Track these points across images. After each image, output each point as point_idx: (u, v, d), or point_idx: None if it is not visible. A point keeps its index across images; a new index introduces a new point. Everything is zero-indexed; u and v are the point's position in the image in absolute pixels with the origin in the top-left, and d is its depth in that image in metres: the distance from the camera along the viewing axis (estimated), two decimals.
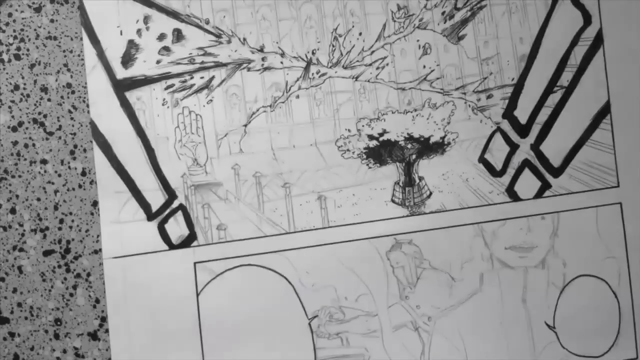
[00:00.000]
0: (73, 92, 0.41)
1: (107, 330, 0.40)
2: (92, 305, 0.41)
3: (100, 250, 0.40)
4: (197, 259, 0.40)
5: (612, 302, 0.41)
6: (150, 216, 0.40)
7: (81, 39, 0.40)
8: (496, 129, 0.41)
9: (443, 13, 0.41)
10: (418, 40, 0.41)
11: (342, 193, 0.40)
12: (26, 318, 0.40)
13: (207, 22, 0.40)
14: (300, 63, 0.40)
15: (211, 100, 0.40)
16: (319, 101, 0.40)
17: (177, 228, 0.40)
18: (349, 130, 0.40)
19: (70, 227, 0.40)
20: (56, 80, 0.41)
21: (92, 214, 0.40)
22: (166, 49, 0.40)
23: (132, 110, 0.40)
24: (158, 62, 0.40)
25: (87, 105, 0.40)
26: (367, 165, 0.41)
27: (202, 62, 0.40)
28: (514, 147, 0.41)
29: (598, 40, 0.41)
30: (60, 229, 0.40)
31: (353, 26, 0.40)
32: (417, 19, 0.41)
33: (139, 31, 0.40)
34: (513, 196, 0.41)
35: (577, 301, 0.41)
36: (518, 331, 0.41)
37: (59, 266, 0.40)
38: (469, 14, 0.41)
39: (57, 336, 0.41)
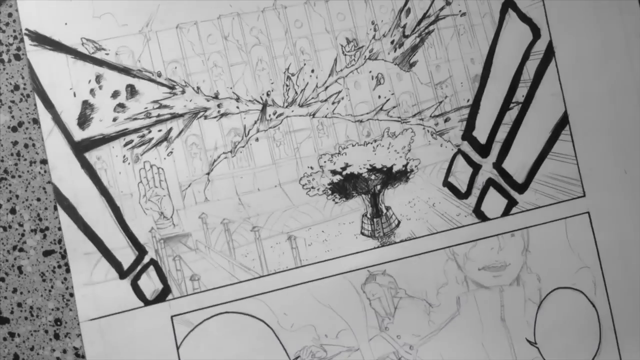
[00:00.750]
0: None
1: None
2: None
3: None
4: (173, 312, 0.46)
5: (590, 311, 0.48)
6: (123, 274, 0.46)
7: (35, 104, 0.46)
8: (457, 152, 0.47)
9: (392, 42, 0.47)
10: (370, 72, 0.47)
11: (311, 231, 0.47)
12: (26, 318, 0.46)
13: (160, 75, 0.46)
14: (256, 106, 0.46)
15: (171, 152, 0.46)
16: (279, 142, 0.47)
17: (150, 283, 0.46)
18: (312, 168, 0.47)
19: None
20: None
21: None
22: (121, 105, 0.46)
23: (94, 170, 0.46)
24: (114, 119, 0.46)
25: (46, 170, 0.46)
26: (334, 200, 0.47)
27: (159, 115, 0.46)
28: (476, 168, 0.47)
29: (549, 53, 0.47)
30: (60, 229, 0.46)
31: (305, 64, 0.47)
32: (367, 50, 0.47)
33: (92, 91, 0.46)
34: (481, 216, 0.47)
35: (556, 314, 0.48)
36: (500, 350, 0.47)
37: (59, 266, 0.47)
38: (418, 40, 0.47)
39: (57, 336, 0.47)
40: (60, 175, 0.46)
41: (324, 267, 0.47)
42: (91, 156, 0.47)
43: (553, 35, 0.49)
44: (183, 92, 0.47)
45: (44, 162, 0.47)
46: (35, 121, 0.47)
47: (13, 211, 0.46)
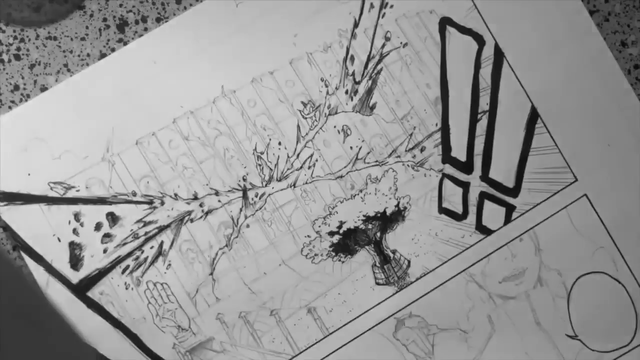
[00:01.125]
0: None
1: None
2: None
3: None
4: None
5: (618, 289, 0.51)
6: None
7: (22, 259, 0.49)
8: (442, 177, 0.51)
9: (347, 92, 0.51)
10: (335, 126, 0.51)
11: (328, 297, 0.50)
12: None
13: (135, 194, 0.50)
14: (236, 194, 0.50)
15: (170, 265, 0.50)
16: (269, 221, 0.50)
17: None
18: (309, 236, 0.50)
19: None
20: (56, 80, 0.51)
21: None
22: (107, 235, 0.50)
23: (101, 306, 0.49)
24: (105, 251, 0.50)
25: None
26: (340, 260, 0.50)
27: (146, 233, 0.50)
28: (465, 186, 0.51)
29: (499, 55, 0.52)
30: None
31: (270, 139, 0.50)
32: (325, 107, 0.51)
33: (74, 230, 0.50)
34: (485, 231, 0.51)
35: (586, 302, 0.51)
36: (545, 353, 0.51)
37: None
38: (370, 82, 0.51)
39: None
40: (71, 323, 0.49)
41: (351, 328, 0.51)
42: (94, 294, 0.50)
43: (497, 38, 0.52)
44: (162, 203, 0.51)
45: None
46: None
47: None
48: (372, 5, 0.52)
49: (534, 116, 0.53)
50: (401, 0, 0.52)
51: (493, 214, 0.52)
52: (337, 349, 0.51)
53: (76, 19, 0.51)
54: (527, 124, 0.53)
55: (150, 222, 0.51)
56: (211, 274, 0.51)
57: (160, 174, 0.51)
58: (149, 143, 0.51)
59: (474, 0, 0.53)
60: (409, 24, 0.53)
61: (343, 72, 0.52)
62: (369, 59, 0.53)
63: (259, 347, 0.51)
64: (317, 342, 0.51)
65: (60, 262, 0.50)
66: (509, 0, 0.53)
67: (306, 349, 0.51)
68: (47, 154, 0.51)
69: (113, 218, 0.51)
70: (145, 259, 0.51)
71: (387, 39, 0.53)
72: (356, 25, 0.52)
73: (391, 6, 0.52)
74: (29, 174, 0.50)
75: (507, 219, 0.53)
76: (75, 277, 0.50)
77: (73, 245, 0.51)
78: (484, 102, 0.53)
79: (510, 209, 0.53)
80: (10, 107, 0.50)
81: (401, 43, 0.53)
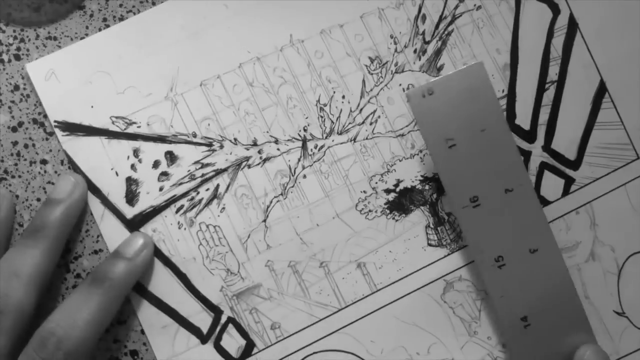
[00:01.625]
0: None
1: (107, 330, 0.50)
2: None
3: (101, 250, 0.51)
4: None
5: None
6: (204, 339, 0.50)
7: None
8: None
9: (415, 51, 0.51)
10: (400, 84, 0.51)
11: (379, 254, 0.50)
12: None
13: (195, 135, 0.50)
14: (296, 144, 0.50)
15: (224, 208, 0.50)
16: (326, 173, 0.50)
17: (233, 342, 0.50)
18: (365, 192, 0.50)
19: None
20: None
21: (91, 214, 0.51)
22: (164, 174, 0.50)
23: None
24: (161, 189, 0.50)
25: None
26: (394, 218, 0.50)
27: (203, 175, 0.50)
28: (527, 155, 0.51)
29: (572, 25, 0.51)
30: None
31: (334, 92, 0.50)
32: (392, 64, 0.51)
33: (132, 166, 0.50)
34: (542, 201, 0.51)
35: (637, 280, 0.51)
36: (592, 326, 0.51)
37: (59, 266, 0.51)
38: (440, 43, 0.51)
39: None
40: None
41: (399, 287, 0.51)
42: (147, 230, 0.50)
43: (572, 8, 0.52)
44: (221, 146, 0.51)
45: (44, 162, 0.51)
46: (35, 121, 0.51)
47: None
48: None
49: (601, 90, 0.53)
50: None
51: (552, 185, 0.52)
52: (384, 306, 0.51)
53: (76, 19, 0.51)
54: (594, 98, 0.53)
55: (207, 165, 0.51)
56: (264, 220, 0.51)
57: (221, 117, 0.51)
58: (213, 86, 0.51)
59: None
60: None
61: (413, 30, 0.52)
62: (440, 19, 0.52)
63: (305, 297, 0.51)
64: (364, 298, 0.51)
65: (116, 196, 0.51)
66: None
67: (353, 303, 0.51)
68: (112, 88, 0.51)
69: (171, 157, 0.51)
70: (200, 200, 0.51)
71: (461, 0, 0.52)
72: None
73: None
74: (92, 107, 0.51)
75: (565, 191, 0.53)
76: (130, 212, 0.51)
77: (130, 181, 0.51)
78: (553, 72, 0.52)
79: (569, 181, 0.53)
80: (10, 107, 0.50)
81: (475, 5, 0.53)
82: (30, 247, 0.46)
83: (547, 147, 0.53)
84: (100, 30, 0.51)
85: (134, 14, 0.52)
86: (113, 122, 0.51)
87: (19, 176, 0.50)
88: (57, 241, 0.48)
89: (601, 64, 0.53)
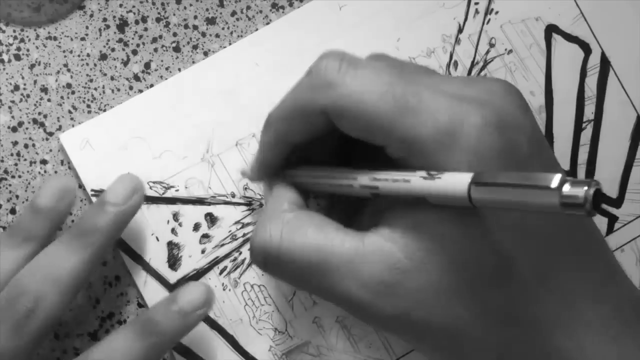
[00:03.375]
0: (73, 93, 0.52)
1: (107, 331, 0.51)
2: (92, 306, 0.51)
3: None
4: None
5: None
6: None
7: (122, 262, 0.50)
8: None
9: None
10: None
11: None
12: None
13: (234, 196, 0.51)
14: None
15: None
16: None
17: None
18: None
19: (70, 227, 0.50)
20: (56, 80, 0.51)
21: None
22: (205, 236, 0.51)
23: None
24: (203, 251, 0.51)
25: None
26: None
27: (244, 235, 0.51)
28: None
29: (605, 64, 0.52)
30: (60, 229, 0.50)
31: None
32: None
33: (173, 230, 0.50)
34: None
35: None
36: None
37: None
38: None
39: (57, 336, 0.50)
40: None
41: None
42: None
43: (604, 46, 0.53)
44: (261, 205, 0.51)
45: (44, 162, 0.51)
46: (35, 121, 0.51)
47: (13, 211, 0.51)
48: (477, 11, 0.53)
49: (638, 127, 0.53)
50: (506, 7, 0.53)
51: (596, 224, 0.53)
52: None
53: (76, 19, 0.51)
54: (632, 135, 0.53)
55: (248, 224, 0.52)
56: None
57: None
58: (249, 144, 0.52)
59: (580, 8, 0.53)
60: (514, 31, 0.53)
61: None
62: (472, 65, 0.53)
63: (355, 352, 0.51)
64: (413, 350, 0.51)
65: (158, 262, 0.51)
66: (616, 9, 0.53)
67: (403, 356, 0.51)
68: (148, 153, 0.51)
69: (211, 219, 0.52)
70: (243, 260, 0.52)
71: (492, 45, 0.53)
72: (460, 30, 0.53)
73: (496, 12, 0.53)
74: (128, 173, 0.51)
75: (610, 230, 0.53)
76: (173, 277, 0.51)
77: (171, 245, 0.51)
78: (589, 111, 0.53)
79: (612, 219, 0.53)
80: (10, 107, 0.51)
81: (506, 50, 0.53)
82: (74, 253, 0.44)
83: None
84: (100, 30, 0.52)
85: (134, 14, 0.52)
86: (151, 187, 0.51)
87: (19, 176, 0.51)
88: (102, 250, 0.46)
89: (637, 100, 0.53)
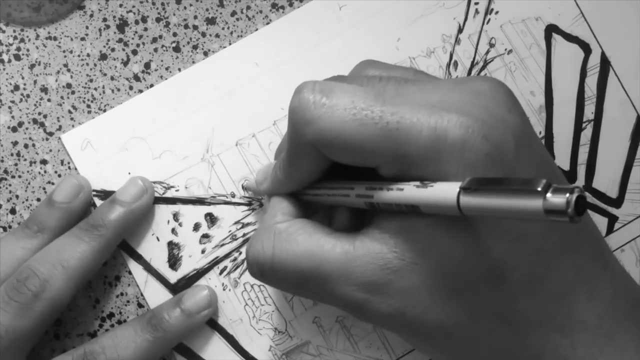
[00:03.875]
0: (73, 93, 0.52)
1: (107, 331, 0.51)
2: (92, 306, 0.52)
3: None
4: None
5: None
6: None
7: (122, 262, 0.50)
8: None
9: None
10: None
11: None
12: None
13: (233, 196, 0.51)
14: None
15: None
16: None
17: None
18: None
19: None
20: (56, 80, 0.52)
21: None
22: (205, 236, 0.51)
23: None
24: (203, 251, 0.51)
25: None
26: None
27: (244, 235, 0.51)
28: None
29: (605, 64, 0.52)
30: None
31: None
32: None
33: (173, 230, 0.51)
34: None
35: None
36: None
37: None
38: None
39: (57, 336, 0.51)
40: None
41: None
42: None
43: (604, 46, 0.53)
44: (261, 205, 0.51)
45: (44, 162, 0.51)
46: (35, 121, 0.52)
47: (13, 211, 0.51)
48: (477, 11, 0.53)
49: (639, 127, 0.53)
50: (506, 7, 0.53)
51: (595, 224, 0.53)
52: None
53: (76, 19, 0.52)
54: (632, 135, 0.53)
55: (248, 224, 0.52)
56: None
57: None
58: (248, 145, 0.52)
59: (580, 8, 0.53)
60: (514, 31, 0.53)
61: (446, 77, 0.53)
62: (472, 65, 0.53)
63: (355, 352, 0.51)
64: (414, 349, 0.52)
65: (158, 262, 0.51)
66: (616, 9, 0.53)
67: (404, 355, 0.52)
68: (148, 153, 0.52)
69: (211, 219, 0.52)
70: (243, 260, 0.52)
71: (492, 45, 0.53)
72: (460, 30, 0.53)
73: (496, 12, 0.53)
74: (129, 173, 0.51)
75: (610, 230, 0.53)
76: (173, 276, 0.51)
77: (172, 245, 0.52)
78: (589, 111, 0.53)
79: (612, 219, 0.53)
80: (10, 107, 0.51)
81: (506, 50, 0.53)
82: (83, 242, 0.47)
83: (588, 187, 0.53)
84: (100, 30, 0.52)
85: (134, 14, 0.52)
86: None
87: (19, 176, 0.51)
88: (110, 243, 0.49)
89: (637, 100, 0.53)
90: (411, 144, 0.35)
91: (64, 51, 0.52)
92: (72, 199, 0.49)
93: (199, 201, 0.52)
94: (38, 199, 0.51)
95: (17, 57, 0.52)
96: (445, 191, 0.33)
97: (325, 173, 0.41)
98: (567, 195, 0.27)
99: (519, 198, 0.29)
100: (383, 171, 0.37)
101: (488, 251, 0.35)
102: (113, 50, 0.52)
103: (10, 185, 0.51)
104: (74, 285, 0.47)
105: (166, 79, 0.52)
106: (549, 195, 0.28)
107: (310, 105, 0.36)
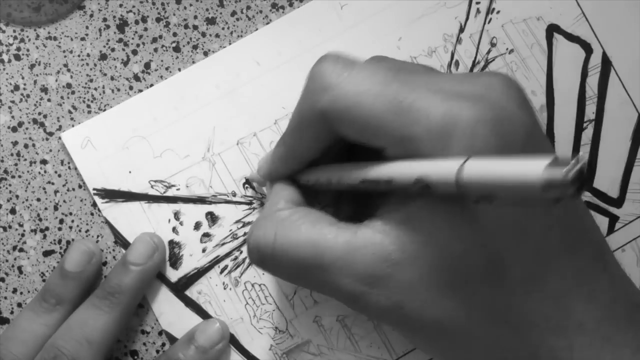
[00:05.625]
0: (73, 93, 0.52)
1: None
2: None
3: (101, 250, 0.51)
4: None
5: None
6: None
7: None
8: None
9: None
10: None
11: None
12: None
13: (234, 195, 0.51)
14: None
15: None
16: None
17: None
18: None
19: (70, 228, 0.51)
20: (56, 80, 0.52)
21: (92, 214, 0.52)
22: (206, 235, 0.51)
23: (199, 305, 0.51)
24: (204, 250, 0.51)
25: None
26: None
27: (245, 234, 0.51)
28: None
29: (606, 64, 0.52)
30: (60, 229, 0.51)
31: None
32: None
33: (174, 229, 0.51)
34: None
35: None
36: None
37: None
38: None
39: None
40: (169, 321, 0.51)
41: None
42: (192, 293, 0.51)
43: (605, 46, 0.53)
44: (261, 204, 0.52)
45: (44, 162, 0.52)
46: (35, 121, 0.52)
47: (13, 211, 0.51)
48: (478, 11, 0.53)
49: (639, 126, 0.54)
50: (508, 7, 0.53)
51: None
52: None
53: (76, 19, 0.52)
54: (633, 134, 0.53)
55: (249, 223, 0.52)
56: None
57: None
58: (249, 144, 0.52)
59: (582, 7, 0.53)
60: (515, 30, 0.53)
61: None
62: (473, 65, 0.54)
63: (356, 351, 0.52)
64: (415, 349, 0.52)
65: None
66: (617, 9, 0.53)
67: (404, 355, 0.52)
68: (149, 152, 0.52)
69: (212, 218, 0.52)
70: (244, 259, 0.52)
71: (493, 44, 0.54)
72: (462, 30, 0.53)
73: (497, 12, 0.53)
74: (130, 172, 0.52)
75: (610, 229, 0.53)
76: (174, 275, 0.52)
77: (172, 244, 0.52)
78: (590, 111, 0.53)
79: (613, 219, 0.53)
80: (10, 107, 0.51)
81: (507, 49, 0.54)
82: (104, 313, 0.48)
83: (589, 186, 0.54)
84: (100, 30, 0.52)
85: (134, 14, 0.52)
86: (152, 186, 0.52)
87: (19, 176, 0.51)
88: (130, 307, 0.49)
89: (638, 100, 0.54)
90: (421, 125, 0.35)
91: (64, 51, 0.52)
92: (84, 267, 0.49)
93: (200, 200, 0.52)
94: (38, 199, 0.51)
95: (17, 57, 0.52)
96: (450, 162, 0.33)
97: (324, 158, 0.41)
98: (568, 166, 0.27)
99: (520, 168, 0.28)
100: (388, 153, 0.37)
101: (487, 246, 0.35)
102: (113, 50, 0.53)
103: (10, 185, 0.51)
104: (101, 356, 0.48)
105: (166, 78, 0.53)
106: (548, 162, 0.27)
107: (331, 72, 0.37)
